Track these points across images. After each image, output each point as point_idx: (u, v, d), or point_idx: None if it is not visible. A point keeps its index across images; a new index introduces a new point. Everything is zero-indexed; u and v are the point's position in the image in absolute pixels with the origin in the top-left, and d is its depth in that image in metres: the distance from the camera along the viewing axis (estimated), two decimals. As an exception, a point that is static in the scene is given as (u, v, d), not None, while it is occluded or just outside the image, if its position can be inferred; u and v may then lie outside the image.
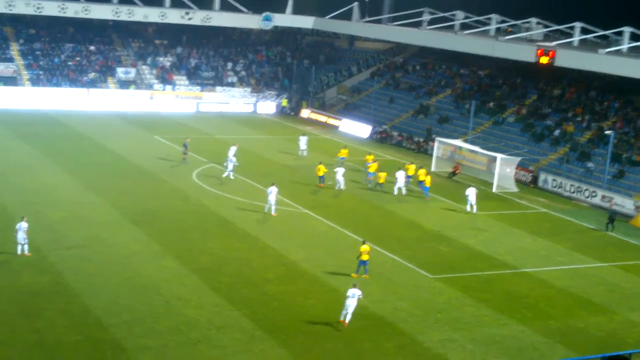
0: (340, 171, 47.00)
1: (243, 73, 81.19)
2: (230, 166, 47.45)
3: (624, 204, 47.71)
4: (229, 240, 35.72)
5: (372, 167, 48.97)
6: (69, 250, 32.54)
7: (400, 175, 46.87)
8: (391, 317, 28.13)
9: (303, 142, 56.73)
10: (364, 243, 32.30)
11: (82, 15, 73.00)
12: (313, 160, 52.49)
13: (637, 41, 57.66)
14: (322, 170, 47.52)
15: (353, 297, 26.81)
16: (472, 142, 57.86)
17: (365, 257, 31.87)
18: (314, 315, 27.69)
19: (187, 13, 76.65)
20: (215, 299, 28.34)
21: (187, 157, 50.89)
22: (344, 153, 53.28)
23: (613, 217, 43.43)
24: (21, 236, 31.11)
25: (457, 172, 53.38)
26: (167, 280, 29.86)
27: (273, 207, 40.13)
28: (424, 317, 28.48)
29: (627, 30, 57.36)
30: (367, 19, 79.80)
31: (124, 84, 73.70)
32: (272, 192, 40.18)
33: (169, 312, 26.99)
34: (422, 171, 47.99)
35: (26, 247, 31.23)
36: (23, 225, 31.12)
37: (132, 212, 38.58)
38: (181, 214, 39.29)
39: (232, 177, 47.21)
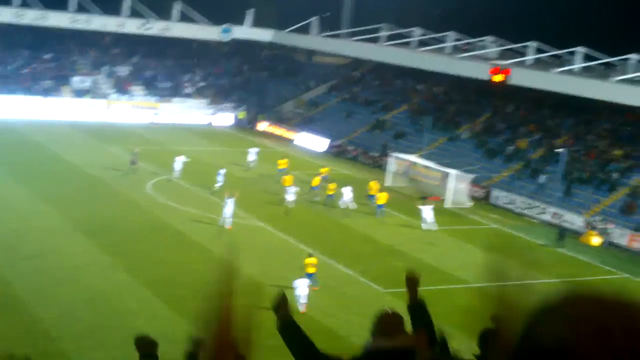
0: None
1: (201, 84, 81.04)
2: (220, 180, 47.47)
3: (573, 221, 48.55)
4: (182, 252, 35.62)
5: (315, 182, 48.99)
6: (19, 261, 32.19)
7: (347, 191, 46.85)
8: (343, 330, 28.28)
9: (252, 153, 56.74)
10: (310, 256, 32.47)
11: (39, 22, 72.35)
12: (265, 171, 52.54)
13: (590, 61, 58.88)
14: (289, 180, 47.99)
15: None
16: (427, 158, 58.42)
17: (311, 270, 32.00)
18: (269, 329, 27.66)
19: (145, 23, 76.36)
20: (167, 312, 28.24)
21: (137, 166, 50.43)
22: (283, 164, 53.46)
23: (563, 234, 44.15)
24: None
25: (430, 199, 52.60)
26: (119, 293, 29.68)
27: (228, 220, 40.10)
28: (376, 332, 28.64)
29: (580, 50, 58.50)
30: (326, 33, 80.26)
31: (80, 93, 73.08)
32: (229, 203, 40.15)
33: (119, 325, 26.80)
34: (372, 184, 48.52)
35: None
36: None
37: (84, 223, 38.28)
38: (134, 225, 39.10)
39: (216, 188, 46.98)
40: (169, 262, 33.99)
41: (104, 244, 35.40)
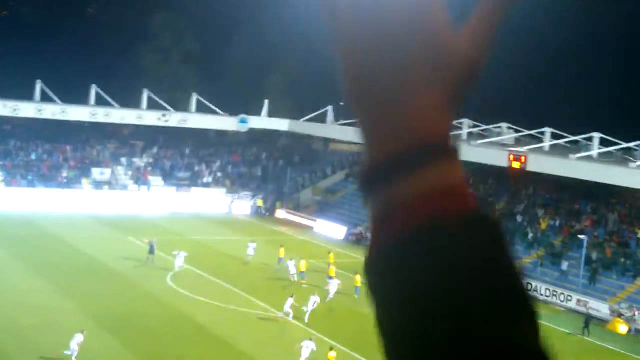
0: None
1: (219, 174, 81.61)
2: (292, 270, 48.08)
3: (599, 308, 47.83)
4: (203, 347, 35.18)
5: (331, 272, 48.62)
6: (34, 357, 31.82)
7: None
8: None
9: (251, 248, 53.65)
10: (331, 349, 32.04)
11: (59, 117, 73.45)
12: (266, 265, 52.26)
13: (606, 146, 59.00)
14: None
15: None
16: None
17: None
18: None
19: (163, 115, 77.42)
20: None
21: (154, 256, 50.24)
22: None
23: (589, 322, 43.43)
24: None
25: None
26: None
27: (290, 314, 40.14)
28: None
29: (596, 135, 58.66)
30: (342, 121, 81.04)
31: (99, 185, 73.65)
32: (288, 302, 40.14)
33: None
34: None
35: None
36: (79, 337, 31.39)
37: (104, 318, 37.98)
38: (155, 320, 38.75)
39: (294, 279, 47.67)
40: (189, 356, 33.54)
41: (126, 341, 35.03)
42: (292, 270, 49.19)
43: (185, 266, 46.92)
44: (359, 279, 46.40)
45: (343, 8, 1.12)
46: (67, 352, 31.21)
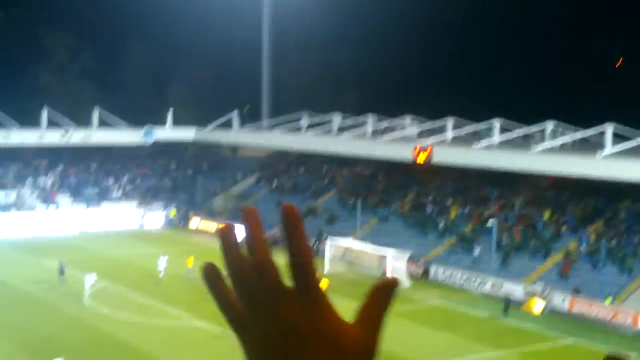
0: None
1: (128, 187, 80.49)
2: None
3: (513, 290, 49.43)
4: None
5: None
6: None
7: None
8: None
9: (163, 262, 52.38)
10: None
11: (-46, 141, 71.16)
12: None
13: (507, 132, 60.84)
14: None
15: None
16: (362, 239, 58.96)
17: None
18: None
19: (65, 132, 75.82)
20: None
21: (64, 278, 49.33)
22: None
23: (508, 304, 44.79)
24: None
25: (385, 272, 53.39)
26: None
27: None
28: None
29: (496, 122, 60.42)
30: (247, 125, 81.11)
31: (5, 208, 71.66)
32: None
33: None
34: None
35: None
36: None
37: (26, 344, 37.15)
38: (76, 340, 38.14)
39: None
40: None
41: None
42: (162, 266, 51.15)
43: (96, 286, 46.04)
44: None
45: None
46: None
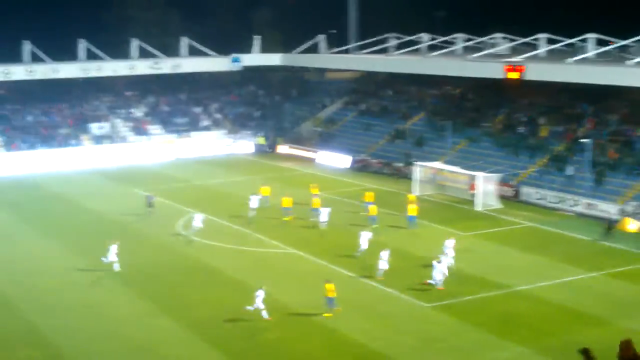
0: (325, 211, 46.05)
1: (217, 115, 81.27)
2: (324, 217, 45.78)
3: (608, 209, 48.02)
4: (220, 290, 35.49)
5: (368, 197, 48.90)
6: (61, 319, 32.18)
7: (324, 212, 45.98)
8: (392, 352, 27.99)
9: (254, 201, 48.86)
10: (327, 282, 32.06)
11: (50, 76, 72.86)
12: (294, 198, 52.44)
13: (602, 46, 58.40)
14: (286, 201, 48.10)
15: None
16: (451, 163, 58.12)
17: (332, 295, 31.61)
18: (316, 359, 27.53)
19: (155, 63, 76.77)
20: (214, 354, 28.09)
21: (153, 209, 49.89)
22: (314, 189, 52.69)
23: (611, 226, 43.40)
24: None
25: (473, 191, 52.64)
26: (164, 340, 29.57)
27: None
28: (425, 349, 28.39)
29: (591, 36, 58.00)
30: (335, 49, 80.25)
31: (99, 139, 73.51)
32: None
33: (168, 372, 26.73)
34: (411, 204, 47.35)
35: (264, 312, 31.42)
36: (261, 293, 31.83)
37: (120, 272, 38.24)
38: (170, 269, 39.02)
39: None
40: (208, 301, 33.86)
41: (141, 291, 35.34)
42: (254, 204, 48.56)
43: (200, 225, 46.08)
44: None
45: None
46: None
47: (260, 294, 31.54)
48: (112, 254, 38.14)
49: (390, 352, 28.03)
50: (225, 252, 41.75)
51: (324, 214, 45.62)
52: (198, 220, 45.30)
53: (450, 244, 38.11)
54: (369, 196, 50.02)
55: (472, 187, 52.56)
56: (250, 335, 29.89)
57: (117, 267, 37.93)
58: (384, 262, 36.28)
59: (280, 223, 47.46)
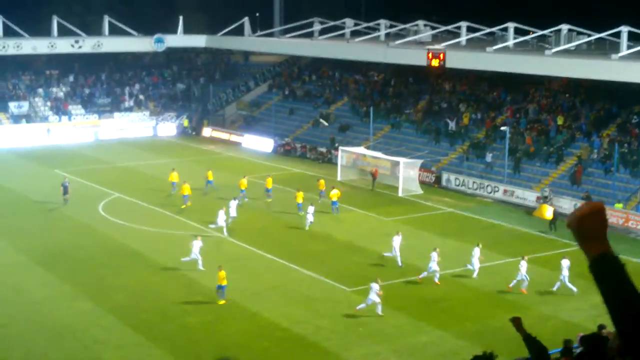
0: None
1: (140, 96, 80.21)
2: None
3: (524, 196, 49.36)
4: (142, 273, 35.29)
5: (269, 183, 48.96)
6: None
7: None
8: (313, 336, 28.36)
9: (233, 207, 43.49)
10: (220, 268, 31.51)
11: (-32, 51, 70.77)
12: (216, 181, 52.27)
13: (522, 35, 59.73)
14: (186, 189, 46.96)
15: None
16: (374, 148, 58.79)
17: (224, 282, 31.27)
18: (238, 343, 27.68)
19: (76, 41, 75.20)
20: (135, 338, 28.00)
21: (68, 197, 47.11)
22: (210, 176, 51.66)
23: (555, 218, 43.82)
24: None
25: (376, 176, 53.59)
26: (83, 323, 29.31)
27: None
28: (346, 333, 28.84)
29: (511, 25, 59.23)
30: (259, 33, 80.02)
31: (18, 118, 71.78)
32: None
33: (87, 357, 26.54)
34: (321, 182, 48.06)
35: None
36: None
37: (39, 254, 37.63)
38: (90, 251, 38.56)
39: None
40: (130, 285, 33.65)
41: (62, 274, 34.89)
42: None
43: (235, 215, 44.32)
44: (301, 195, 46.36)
45: None
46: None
47: (196, 244, 34.30)
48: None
49: (312, 336, 28.39)
50: (148, 235, 41.46)
51: (310, 214, 42.84)
52: (233, 208, 42.98)
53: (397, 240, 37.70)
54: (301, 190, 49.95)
55: (375, 172, 53.44)
56: (172, 319, 29.86)
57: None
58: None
59: (209, 207, 47.26)
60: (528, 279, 33.43)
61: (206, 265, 35.82)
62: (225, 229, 41.13)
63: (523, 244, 40.65)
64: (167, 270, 35.58)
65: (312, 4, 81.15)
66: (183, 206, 46.49)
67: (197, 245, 35.54)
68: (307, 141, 66.75)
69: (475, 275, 35.07)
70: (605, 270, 3.27)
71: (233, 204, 43.27)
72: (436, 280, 34.27)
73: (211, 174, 51.44)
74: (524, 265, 33.63)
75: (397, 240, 37.21)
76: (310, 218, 42.44)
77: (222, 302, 31.19)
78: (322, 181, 49.78)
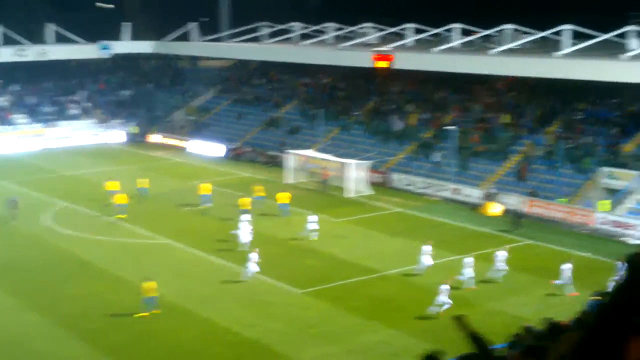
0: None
1: (87, 104, 79.33)
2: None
3: (471, 194, 49.99)
4: (91, 282, 34.93)
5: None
6: None
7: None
8: (265, 339, 28.39)
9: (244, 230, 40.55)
10: (147, 280, 30.93)
11: None
12: (166, 188, 52.04)
13: (467, 36, 60.47)
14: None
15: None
16: (324, 150, 58.99)
17: (152, 294, 30.49)
18: (190, 350, 27.59)
19: (20, 49, 74.15)
20: (83, 349, 27.71)
21: (16, 212, 45.58)
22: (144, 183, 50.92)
23: (519, 217, 44.17)
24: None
25: (326, 177, 53.71)
26: (30, 335, 28.92)
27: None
28: (298, 335, 28.93)
29: (456, 26, 59.93)
30: (207, 37, 79.76)
31: (-39, 130, 70.50)
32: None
33: (37, 368, 26.23)
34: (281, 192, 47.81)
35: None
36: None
37: (-15, 267, 37.05)
38: (38, 262, 38.04)
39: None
40: (78, 295, 33.29)
41: (8, 286, 34.38)
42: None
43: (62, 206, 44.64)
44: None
45: None
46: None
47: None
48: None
49: (264, 339, 28.42)
50: (97, 244, 41.06)
51: (313, 223, 41.90)
52: (312, 222, 41.85)
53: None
54: (259, 189, 49.37)
55: (325, 174, 53.69)
56: (122, 328, 29.64)
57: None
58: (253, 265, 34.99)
59: (156, 214, 46.98)
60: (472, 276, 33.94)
61: (156, 270, 35.61)
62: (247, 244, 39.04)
63: (471, 241, 41.14)
64: (116, 279, 35.29)
65: (259, 8, 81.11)
66: (117, 216, 45.85)
67: None
68: (257, 145, 66.70)
69: (420, 271, 35.48)
70: None
71: (244, 217, 41.03)
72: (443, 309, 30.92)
73: (144, 182, 50.99)
74: (501, 256, 34.79)
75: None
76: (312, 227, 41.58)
77: (145, 314, 30.48)
78: (256, 187, 48.86)
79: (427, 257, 35.84)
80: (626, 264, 2.63)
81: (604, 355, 2.52)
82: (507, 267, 34.87)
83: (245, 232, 39.59)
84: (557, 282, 33.20)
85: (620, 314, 2.54)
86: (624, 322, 2.53)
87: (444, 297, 30.76)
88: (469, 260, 34.53)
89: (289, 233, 42.74)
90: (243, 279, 34.24)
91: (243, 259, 37.45)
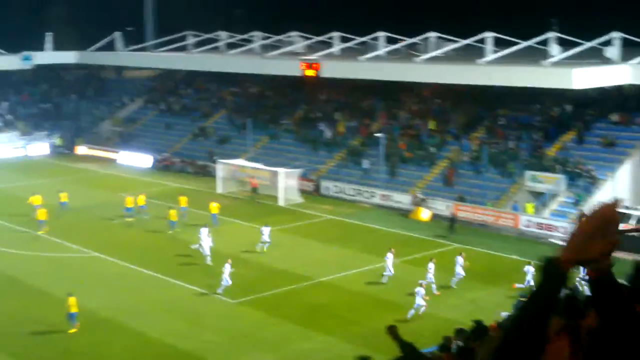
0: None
1: (8, 116, 77.57)
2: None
3: (401, 199, 50.63)
4: (20, 299, 34.20)
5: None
6: None
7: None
8: (200, 350, 28.26)
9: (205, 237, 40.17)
10: (69, 295, 30.28)
11: None
12: (92, 201, 51.27)
13: (392, 44, 61.24)
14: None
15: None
16: (254, 159, 58.95)
17: (73, 310, 29.97)
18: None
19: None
20: (15, 366, 27.16)
21: None
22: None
23: (453, 222, 45.03)
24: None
25: (256, 186, 53.71)
26: (-41, 355, 28.22)
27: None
28: (232, 345, 28.88)
29: (381, 34, 60.67)
30: (132, 47, 78.93)
31: None
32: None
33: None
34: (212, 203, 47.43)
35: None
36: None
37: None
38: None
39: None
40: (7, 311, 32.56)
41: None
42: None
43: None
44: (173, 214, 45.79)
45: None
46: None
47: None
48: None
49: (198, 350, 28.29)
50: (23, 259, 40.20)
51: (265, 234, 41.21)
52: (265, 234, 41.25)
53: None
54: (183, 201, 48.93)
55: (252, 182, 53.81)
56: (54, 344, 29.11)
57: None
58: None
59: (82, 227, 46.22)
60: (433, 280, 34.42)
61: (86, 284, 35.14)
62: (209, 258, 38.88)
63: (401, 247, 41.56)
64: (45, 294, 34.62)
65: (185, 17, 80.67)
66: (40, 232, 44.98)
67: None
68: (186, 155, 66.23)
69: (384, 279, 35.70)
70: None
71: (204, 231, 40.02)
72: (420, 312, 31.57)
73: (64, 195, 50.09)
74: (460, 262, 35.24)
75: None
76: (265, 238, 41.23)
77: (72, 330, 29.89)
78: (172, 211, 46.20)
79: (389, 263, 35.99)
80: (539, 269, 2.72)
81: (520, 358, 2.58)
82: (463, 273, 35.20)
83: (206, 244, 39.13)
84: (519, 285, 33.89)
85: (536, 318, 2.58)
86: (539, 326, 2.58)
87: (419, 300, 31.01)
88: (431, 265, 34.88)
89: (220, 243, 42.48)
90: (219, 291, 34.00)
91: (175, 271, 37.24)
